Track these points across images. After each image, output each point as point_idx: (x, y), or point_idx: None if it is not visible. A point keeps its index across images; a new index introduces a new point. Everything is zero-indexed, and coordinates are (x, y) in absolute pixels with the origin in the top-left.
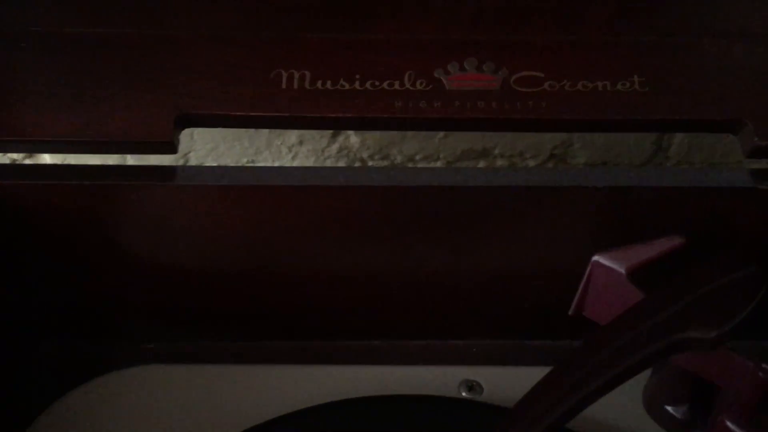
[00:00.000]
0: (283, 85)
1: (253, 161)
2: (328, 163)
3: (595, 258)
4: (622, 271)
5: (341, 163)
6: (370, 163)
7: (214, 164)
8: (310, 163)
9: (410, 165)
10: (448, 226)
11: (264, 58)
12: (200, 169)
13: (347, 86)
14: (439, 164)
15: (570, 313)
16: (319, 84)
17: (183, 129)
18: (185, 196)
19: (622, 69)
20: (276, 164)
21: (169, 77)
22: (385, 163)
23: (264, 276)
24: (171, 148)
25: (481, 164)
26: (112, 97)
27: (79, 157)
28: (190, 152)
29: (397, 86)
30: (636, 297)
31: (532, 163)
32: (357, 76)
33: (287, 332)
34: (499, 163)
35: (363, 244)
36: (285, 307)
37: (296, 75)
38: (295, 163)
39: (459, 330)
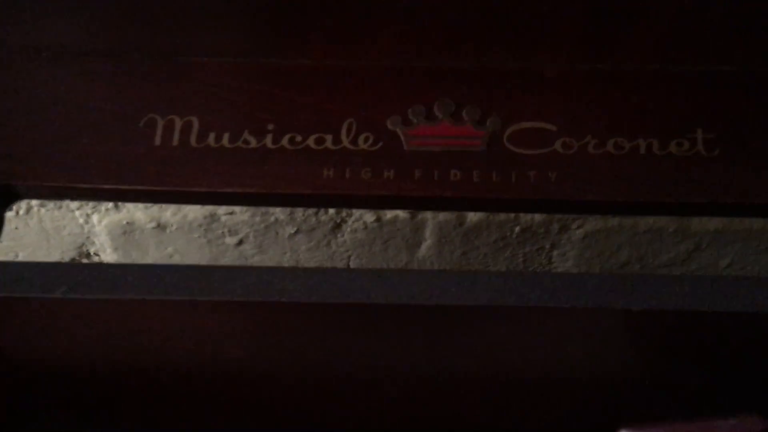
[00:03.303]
0: (157, 141)
1: None
2: None
3: None
4: None
5: None
6: None
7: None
8: None
9: None
10: (417, 343)
11: (130, 95)
12: (35, 270)
13: (254, 143)
14: None
15: None
16: (211, 139)
17: (5, 205)
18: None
19: (677, 120)
20: None
21: None
22: None
23: (163, 386)
24: None
25: None
26: None
27: None
28: None
29: (329, 143)
30: None
31: None
32: (269, 127)
33: None
34: None
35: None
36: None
37: (178, 124)
38: None
39: None
